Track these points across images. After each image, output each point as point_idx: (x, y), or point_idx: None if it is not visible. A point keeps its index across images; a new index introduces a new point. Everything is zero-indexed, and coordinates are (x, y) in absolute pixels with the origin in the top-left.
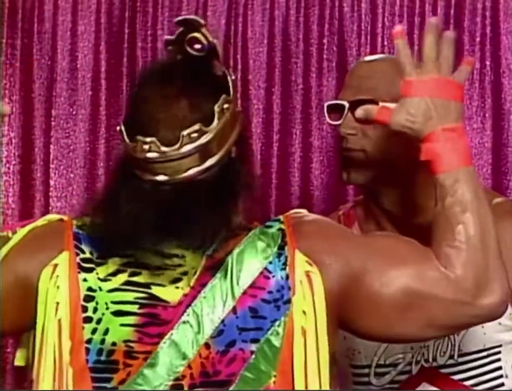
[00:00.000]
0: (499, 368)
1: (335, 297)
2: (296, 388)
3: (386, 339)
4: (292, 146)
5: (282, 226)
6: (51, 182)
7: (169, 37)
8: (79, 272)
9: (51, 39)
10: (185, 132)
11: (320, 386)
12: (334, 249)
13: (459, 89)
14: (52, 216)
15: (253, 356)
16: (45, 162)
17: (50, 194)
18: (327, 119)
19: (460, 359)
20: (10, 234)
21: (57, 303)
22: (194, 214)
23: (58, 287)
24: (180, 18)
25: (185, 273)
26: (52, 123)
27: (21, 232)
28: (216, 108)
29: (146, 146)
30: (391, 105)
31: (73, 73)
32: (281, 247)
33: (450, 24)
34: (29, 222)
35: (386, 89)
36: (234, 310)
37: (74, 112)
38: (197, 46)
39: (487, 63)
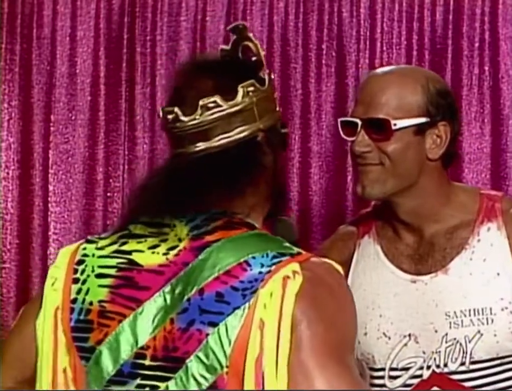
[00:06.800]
0: None
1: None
2: (245, 383)
3: None
4: (291, 151)
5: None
6: (50, 187)
7: (225, 47)
8: (81, 243)
9: (50, 45)
10: (201, 102)
11: (276, 386)
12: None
13: None
14: None
15: (207, 339)
16: (44, 167)
17: (49, 199)
18: (342, 134)
19: (472, 367)
20: None
21: (55, 278)
22: (201, 189)
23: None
24: (232, 25)
25: (164, 240)
26: (51, 128)
27: None
28: (240, 87)
29: (170, 116)
30: (404, 121)
31: (72, 78)
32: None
33: (449, 30)
34: None
35: (397, 103)
36: (201, 291)
37: (73, 117)
38: (251, 56)
39: (486, 68)
